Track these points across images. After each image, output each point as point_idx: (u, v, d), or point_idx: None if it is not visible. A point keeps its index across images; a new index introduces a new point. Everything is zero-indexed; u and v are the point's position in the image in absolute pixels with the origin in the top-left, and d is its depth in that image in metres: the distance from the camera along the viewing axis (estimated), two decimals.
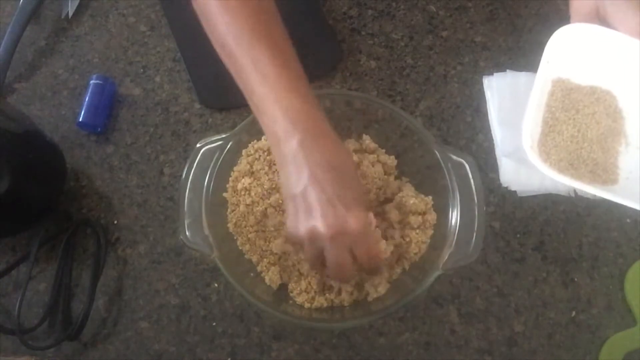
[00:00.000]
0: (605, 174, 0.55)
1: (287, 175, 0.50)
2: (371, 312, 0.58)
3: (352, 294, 0.59)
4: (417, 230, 0.60)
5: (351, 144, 0.64)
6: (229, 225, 0.61)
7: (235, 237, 0.61)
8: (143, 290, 0.64)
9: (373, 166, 0.62)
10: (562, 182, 0.53)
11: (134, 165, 0.70)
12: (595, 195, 0.66)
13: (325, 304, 0.58)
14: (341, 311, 0.59)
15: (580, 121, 0.56)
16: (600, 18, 0.55)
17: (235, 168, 0.62)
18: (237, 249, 0.61)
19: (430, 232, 0.60)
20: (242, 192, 0.61)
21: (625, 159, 0.56)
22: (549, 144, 0.55)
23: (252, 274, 0.60)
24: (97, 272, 0.64)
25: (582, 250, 0.65)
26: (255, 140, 0.63)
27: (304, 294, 0.58)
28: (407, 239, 0.60)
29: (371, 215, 0.51)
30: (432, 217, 0.61)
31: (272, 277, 0.59)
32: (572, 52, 0.56)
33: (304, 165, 0.48)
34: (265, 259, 0.60)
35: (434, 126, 0.70)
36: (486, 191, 0.67)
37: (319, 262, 0.52)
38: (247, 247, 0.61)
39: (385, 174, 0.63)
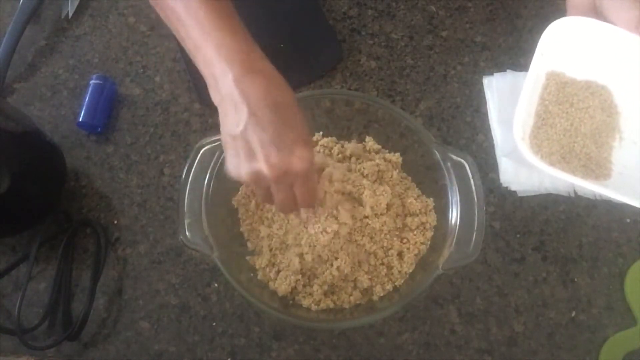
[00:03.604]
0: (599, 168, 0.55)
1: (225, 114, 0.48)
2: (372, 312, 0.58)
3: (351, 294, 0.59)
4: (416, 232, 0.60)
5: (353, 146, 0.64)
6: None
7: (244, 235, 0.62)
8: (143, 290, 0.64)
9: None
10: (553, 175, 0.52)
11: (134, 165, 0.70)
12: (595, 195, 0.66)
13: (330, 306, 0.58)
14: (343, 311, 0.59)
15: (574, 115, 0.55)
16: (597, 12, 0.55)
17: None
18: (238, 249, 0.61)
19: (429, 233, 0.60)
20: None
21: (619, 154, 0.56)
22: (540, 137, 0.54)
23: (252, 275, 0.60)
24: (97, 272, 0.64)
25: (582, 250, 0.65)
26: None
27: (310, 296, 0.58)
28: (405, 241, 0.60)
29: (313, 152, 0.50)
30: (431, 219, 0.61)
31: (280, 285, 0.59)
32: (567, 45, 0.55)
33: (242, 103, 0.46)
34: (274, 267, 0.60)
35: (434, 126, 0.70)
36: (486, 191, 0.67)
37: (269, 196, 0.52)
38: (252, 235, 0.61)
39: (393, 169, 0.63)
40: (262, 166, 0.47)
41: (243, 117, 0.47)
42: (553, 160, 0.53)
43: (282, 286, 0.58)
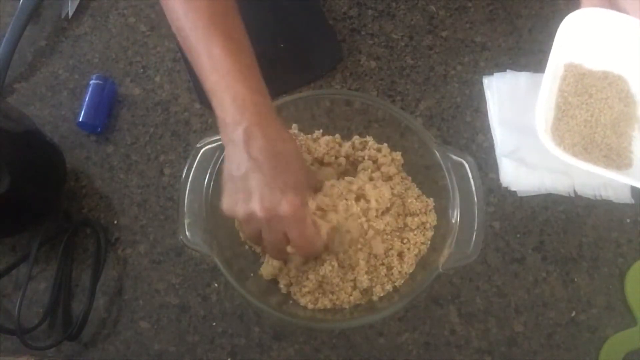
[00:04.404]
0: (619, 158, 0.55)
1: (231, 158, 0.52)
2: (372, 312, 0.58)
3: (351, 294, 0.59)
4: (416, 232, 0.60)
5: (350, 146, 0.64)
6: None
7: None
8: (143, 290, 0.64)
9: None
10: (577, 166, 0.53)
11: (134, 165, 0.70)
12: (595, 195, 0.66)
13: (328, 305, 0.58)
14: (342, 311, 0.59)
15: (594, 106, 0.55)
16: (611, 3, 0.55)
17: None
18: (238, 249, 0.61)
19: (430, 233, 0.60)
20: None
21: (639, 143, 0.56)
22: (562, 129, 0.54)
23: (252, 274, 0.60)
24: (97, 272, 0.64)
25: (582, 250, 0.65)
26: None
27: (308, 295, 0.58)
28: (405, 241, 0.60)
29: (307, 199, 0.53)
30: (432, 218, 0.61)
31: (266, 269, 0.59)
32: (583, 36, 0.56)
33: (247, 151, 0.50)
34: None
35: (434, 126, 0.70)
36: (486, 191, 0.67)
37: (258, 238, 0.54)
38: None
39: (395, 170, 0.63)
40: (256, 206, 0.50)
41: (245, 162, 0.50)
42: (575, 151, 0.54)
43: (267, 269, 0.59)
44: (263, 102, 0.53)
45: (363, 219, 0.57)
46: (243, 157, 0.50)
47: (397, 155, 0.64)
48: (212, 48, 0.52)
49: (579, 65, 0.57)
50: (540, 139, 0.53)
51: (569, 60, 0.56)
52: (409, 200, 0.61)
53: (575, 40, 0.56)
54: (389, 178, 0.63)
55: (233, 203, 0.52)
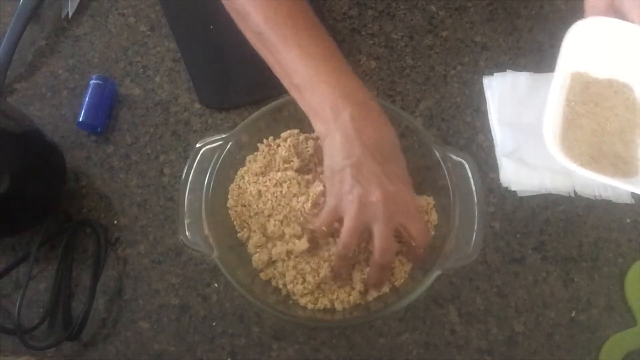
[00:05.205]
0: (626, 166, 0.54)
1: (339, 147, 0.50)
2: (371, 312, 0.58)
3: (350, 294, 0.59)
4: None
5: None
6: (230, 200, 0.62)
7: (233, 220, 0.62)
8: (143, 290, 0.64)
9: None
10: (585, 176, 0.52)
11: (134, 165, 0.70)
12: (595, 195, 0.66)
13: (328, 305, 0.58)
14: (342, 311, 0.59)
15: (600, 114, 0.55)
16: (615, 11, 0.55)
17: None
18: (238, 249, 0.61)
19: (430, 233, 0.60)
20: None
21: None
22: (570, 138, 0.54)
23: (252, 275, 0.60)
24: (97, 272, 0.64)
25: (582, 250, 0.65)
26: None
27: (308, 295, 0.58)
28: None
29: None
30: (432, 217, 0.61)
31: (259, 257, 0.59)
32: (589, 45, 0.56)
33: (356, 138, 0.48)
34: (257, 238, 0.60)
35: (434, 126, 0.70)
36: (486, 191, 0.67)
37: (354, 246, 0.51)
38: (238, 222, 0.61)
39: None
40: (375, 190, 0.48)
41: (357, 151, 0.49)
42: (583, 161, 0.53)
43: (257, 257, 0.59)
44: (362, 88, 0.51)
45: None
46: (355, 145, 0.48)
47: None
48: (303, 41, 0.51)
49: (584, 73, 0.57)
50: (550, 151, 0.53)
51: (575, 69, 0.56)
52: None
53: (580, 49, 0.56)
54: None
55: (339, 198, 0.49)
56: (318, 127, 0.52)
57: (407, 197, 0.49)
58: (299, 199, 0.58)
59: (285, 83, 0.54)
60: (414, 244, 0.54)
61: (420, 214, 0.51)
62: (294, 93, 0.53)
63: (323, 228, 0.54)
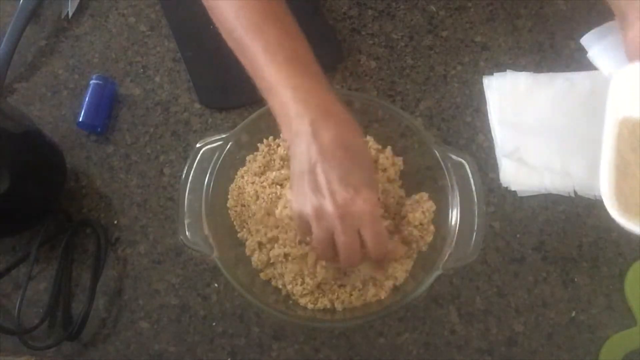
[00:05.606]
0: None
1: (297, 152, 0.49)
2: (371, 312, 0.58)
3: (351, 294, 0.59)
4: (416, 232, 0.60)
5: None
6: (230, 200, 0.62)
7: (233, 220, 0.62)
8: (143, 290, 0.64)
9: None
10: None
11: (134, 165, 0.70)
12: (595, 196, 0.66)
13: (328, 305, 0.58)
14: (342, 311, 0.59)
15: None
16: (612, 4, 0.54)
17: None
18: (238, 249, 0.61)
19: (430, 233, 0.60)
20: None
21: None
22: (625, 191, 0.52)
23: (252, 275, 0.60)
24: (97, 272, 0.64)
25: (582, 250, 0.65)
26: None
27: (308, 295, 0.58)
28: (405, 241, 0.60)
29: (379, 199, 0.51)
30: (429, 218, 0.60)
31: (259, 257, 0.59)
32: (633, 90, 0.54)
33: (314, 143, 0.48)
34: (255, 237, 0.60)
35: (434, 126, 0.70)
36: (486, 191, 0.67)
37: (329, 248, 0.50)
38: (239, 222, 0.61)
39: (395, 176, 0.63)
40: (327, 203, 0.47)
41: (313, 156, 0.48)
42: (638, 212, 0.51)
43: (257, 257, 0.59)
44: (327, 92, 0.50)
45: None
46: (312, 150, 0.48)
47: (399, 161, 0.63)
48: (269, 43, 0.51)
49: (630, 118, 0.55)
50: (608, 209, 0.51)
51: (622, 115, 0.55)
52: (409, 202, 0.60)
53: (627, 95, 0.54)
54: (387, 181, 0.63)
55: (303, 200, 0.49)
56: (283, 132, 0.51)
57: (363, 204, 0.47)
58: None
59: (257, 84, 0.53)
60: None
61: (379, 220, 0.50)
62: (263, 95, 0.53)
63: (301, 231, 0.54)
